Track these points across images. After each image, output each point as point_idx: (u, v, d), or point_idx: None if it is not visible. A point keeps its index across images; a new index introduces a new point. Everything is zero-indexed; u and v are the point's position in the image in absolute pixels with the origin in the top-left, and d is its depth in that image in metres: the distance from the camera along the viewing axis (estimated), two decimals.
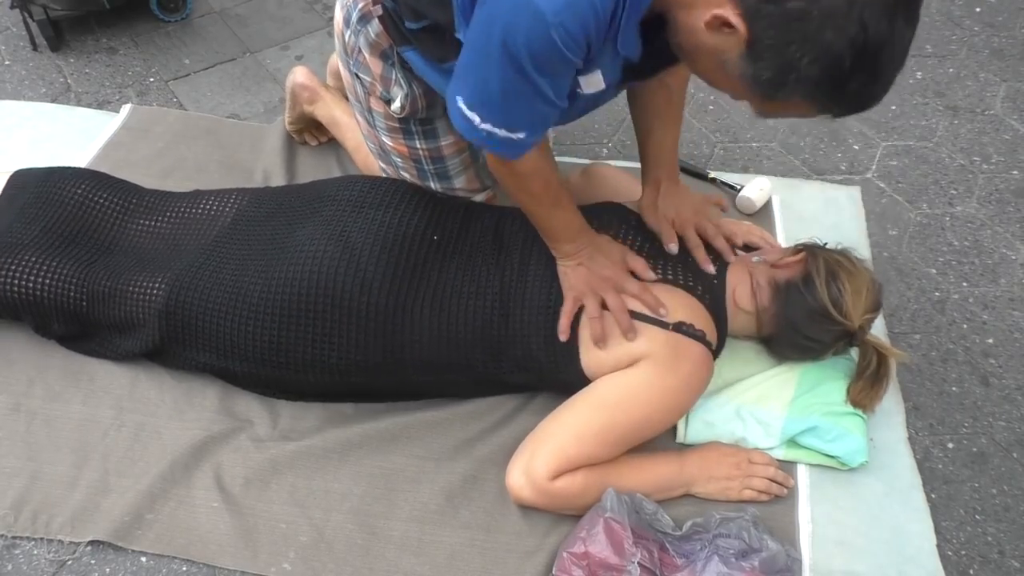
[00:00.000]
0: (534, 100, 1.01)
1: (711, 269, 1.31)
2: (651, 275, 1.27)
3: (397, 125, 1.43)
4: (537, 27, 0.91)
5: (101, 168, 1.64)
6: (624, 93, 1.37)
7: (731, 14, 0.86)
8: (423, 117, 1.41)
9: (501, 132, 1.03)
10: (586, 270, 1.24)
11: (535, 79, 0.97)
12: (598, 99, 1.14)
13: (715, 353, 1.28)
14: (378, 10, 1.28)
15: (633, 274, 1.27)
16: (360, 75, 1.40)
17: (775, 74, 0.87)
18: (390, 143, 1.47)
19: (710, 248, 1.35)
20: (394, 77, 1.36)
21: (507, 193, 1.22)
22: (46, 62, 2.11)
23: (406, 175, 1.50)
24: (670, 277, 1.28)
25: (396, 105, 1.38)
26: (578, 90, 1.07)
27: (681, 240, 1.34)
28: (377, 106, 1.42)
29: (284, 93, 1.79)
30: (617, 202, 1.42)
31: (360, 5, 1.31)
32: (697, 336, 1.22)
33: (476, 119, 1.03)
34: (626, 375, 1.20)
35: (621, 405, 1.19)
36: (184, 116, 1.93)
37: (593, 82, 1.06)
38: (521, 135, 1.05)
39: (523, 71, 0.96)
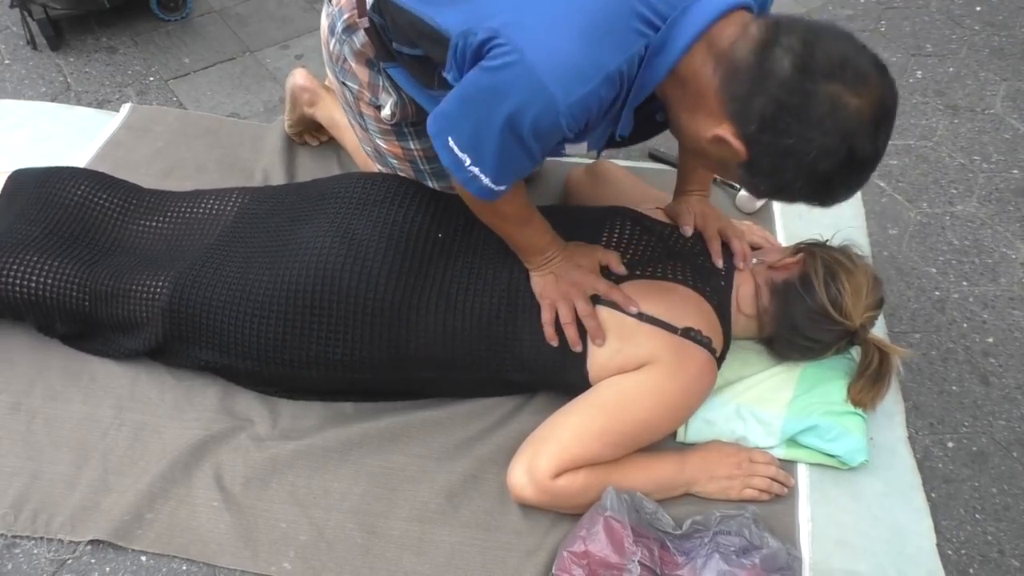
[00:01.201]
0: (523, 160, 1.04)
1: (720, 263, 1.32)
2: (622, 269, 1.28)
3: (389, 127, 1.43)
4: (547, 113, 0.95)
5: (101, 167, 1.64)
6: None
7: (731, 137, 0.93)
8: (414, 120, 1.41)
9: (486, 180, 1.05)
10: (555, 277, 1.25)
11: (531, 146, 1.00)
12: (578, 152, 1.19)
13: (720, 359, 1.29)
14: (364, 23, 1.27)
15: (608, 271, 1.28)
16: (347, 83, 1.40)
17: (770, 189, 0.98)
18: (384, 145, 1.47)
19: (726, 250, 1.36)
20: (382, 84, 1.36)
21: (475, 213, 1.23)
22: (46, 61, 2.11)
23: (403, 176, 1.50)
24: (679, 277, 1.27)
25: (386, 112, 1.38)
26: (561, 151, 1.12)
27: (691, 259, 1.34)
28: (367, 110, 1.42)
29: (284, 93, 1.79)
30: (627, 207, 1.42)
31: (345, 16, 1.31)
32: (703, 343, 1.22)
33: (467, 160, 1.04)
34: (630, 378, 1.21)
35: (623, 407, 1.19)
36: (184, 115, 1.93)
37: (577, 148, 1.12)
38: (502, 188, 1.07)
39: (521, 141, 0.99)
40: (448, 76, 1.07)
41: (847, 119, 0.88)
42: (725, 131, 0.93)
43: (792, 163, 0.91)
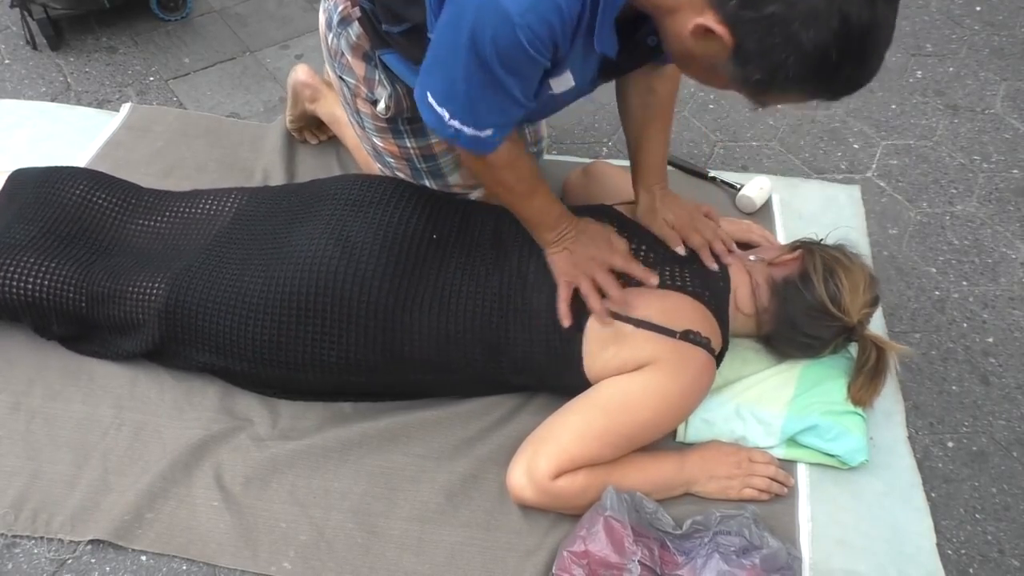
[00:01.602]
0: (501, 99, 1.02)
1: (715, 267, 1.32)
2: (632, 263, 1.28)
3: (385, 125, 1.43)
4: (503, 27, 0.92)
5: (101, 167, 1.64)
6: (614, 103, 1.39)
7: (713, 22, 0.87)
8: (410, 116, 1.41)
9: (468, 130, 1.04)
10: (570, 253, 1.25)
11: (502, 78, 0.98)
12: (573, 96, 1.14)
13: (719, 358, 1.28)
14: (357, 12, 1.29)
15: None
16: (344, 77, 1.40)
17: (764, 75, 0.88)
18: (381, 144, 1.47)
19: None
20: (377, 78, 1.36)
21: (483, 186, 1.22)
22: (46, 61, 2.10)
23: (401, 175, 1.50)
24: (678, 284, 1.27)
25: (381, 106, 1.38)
26: (549, 91, 1.08)
27: (686, 264, 1.33)
28: (364, 107, 1.43)
29: (284, 92, 1.79)
30: (614, 206, 1.42)
31: (340, 8, 1.32)
32: (702, 343, 1.22)
33: (446, 115, 1.04)
34: (630, 378, 1.20)
35: (625, 408, 1.19)
36: (184, 115, 1.93)
37: (563, 82, 1.07)
38: (488, 132, 1.06)
39: (490, 70, 0.97)
40: (431, 31, 1.06)
41: None
42: (707, 19, 0.87)
43: (780, 35, 0.83)
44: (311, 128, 1.82)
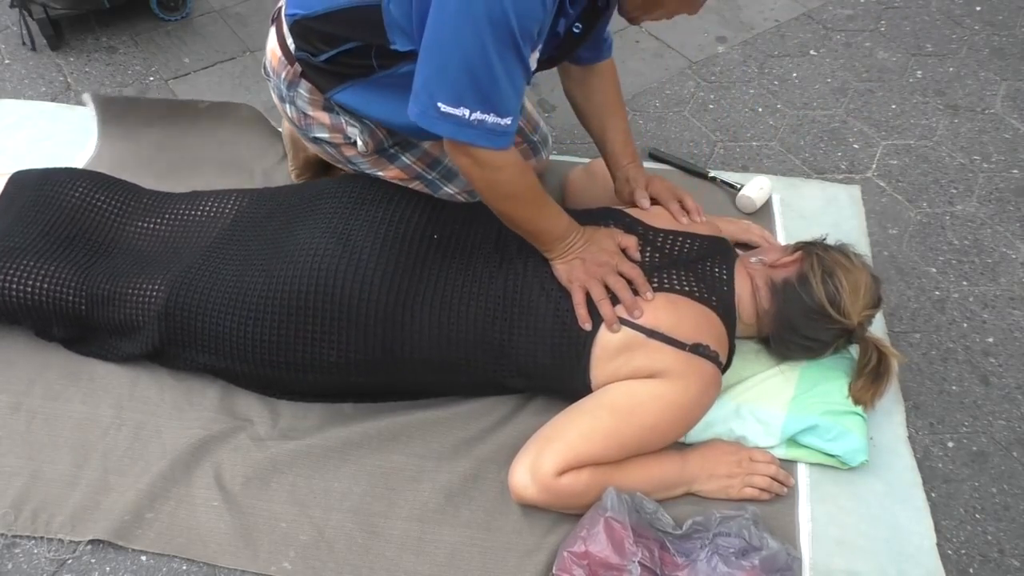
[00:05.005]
0: (517, 74, 1.05)
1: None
2: (638, 255, 1.30)
3: (376, 157, 1.42)
4: None
5: (101, 167, 1.64)
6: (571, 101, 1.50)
7: None
8: (392, 141, 1.41)
9: (491, 118, 1.06)
10: (580, 261, 1.25)
11: (521, 46, 1.02)
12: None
13: (727, 364, 1.29)
14: (297, 68, 1.30)
15: (624, 253, 1.30)
16: (319, 136, 1.40)
17: None
18: (386, 175, 1.44)
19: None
20: (344, 120, 1.36)
21: (489, 203, 1.22)
22: (46, 61, 2.10)
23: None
24: (686, 289, 1.26)
25: (360, 145, 1.38)
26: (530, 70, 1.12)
27: (691, 267, 1.32)
28: (350, 152, 1.41)
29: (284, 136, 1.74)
30: (622, 210, 1.41)
31: (283, 75, 1.33)
32: (711, 356, 1.22)
33: (465, 112, 1.05)
34: (641, 383, 1.20)
35: (633, 411, 1.19)
36: (154, 105, 1.90)
37: (534, 59, 1.12)
38: (507, 120, 1.08)
39: (512, 39, 1.00)
40: (396, 43, 1.08)
41: None
42: None
43: None
44: (318, 174, 1.71)
